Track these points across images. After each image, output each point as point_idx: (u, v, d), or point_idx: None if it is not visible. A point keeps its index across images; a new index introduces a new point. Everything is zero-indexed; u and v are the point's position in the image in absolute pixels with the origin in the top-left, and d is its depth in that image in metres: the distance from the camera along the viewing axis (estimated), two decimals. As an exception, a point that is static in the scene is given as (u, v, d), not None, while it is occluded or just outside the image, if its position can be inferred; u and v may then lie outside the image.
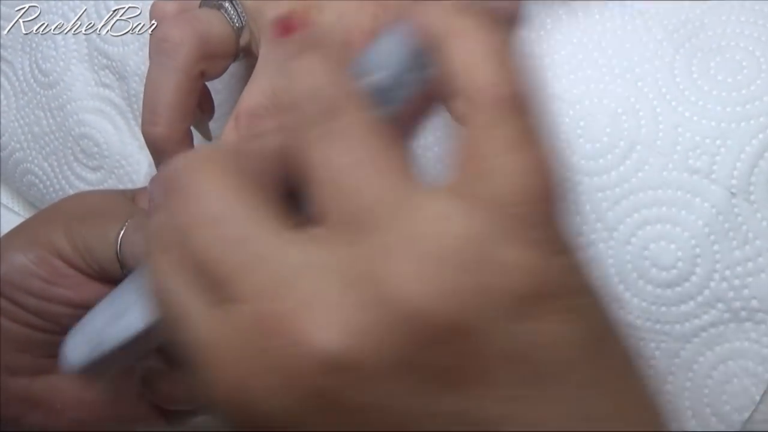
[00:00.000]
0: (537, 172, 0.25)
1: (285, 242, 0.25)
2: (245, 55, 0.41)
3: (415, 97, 0.29)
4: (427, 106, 0.30)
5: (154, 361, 0.40)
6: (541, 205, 0.25)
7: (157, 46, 0.38)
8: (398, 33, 0.29)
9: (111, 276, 0.38)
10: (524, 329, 0.24)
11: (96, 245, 0.38)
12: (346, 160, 0.25)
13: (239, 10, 0.40)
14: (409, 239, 0.24)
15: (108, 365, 0.34)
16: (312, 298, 0.24)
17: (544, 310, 0.24)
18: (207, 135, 0.45)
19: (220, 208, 0.25)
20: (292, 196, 0.28)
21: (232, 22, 0.40)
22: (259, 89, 0.38)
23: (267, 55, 0.39)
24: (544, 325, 0.24)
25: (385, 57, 0.29)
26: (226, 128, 0.39)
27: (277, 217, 0.26)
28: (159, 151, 0.40)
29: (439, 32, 0.27)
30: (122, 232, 0.38)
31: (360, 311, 0.23)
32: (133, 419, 0.41)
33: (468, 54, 0.26)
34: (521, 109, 0.26)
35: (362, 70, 0.29)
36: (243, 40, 0.41)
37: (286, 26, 0.29)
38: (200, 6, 0.41)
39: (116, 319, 0.33)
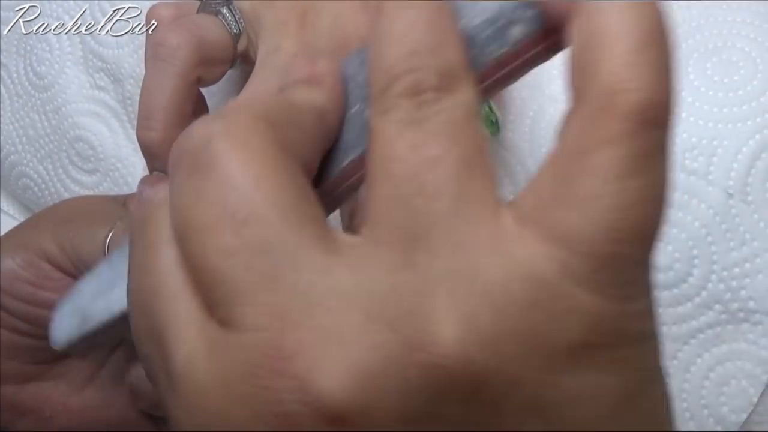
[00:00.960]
0: (638, 207, 0.20)
1: (323, 256, 0.20)
2: (242, 61, 0.41)
3: (503, 59, 0.23)
4: (515, 72, 0.23)
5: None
6: (632, 247, 0.20)
7: (154, 51, 0.38)
8: None
9: None
10: (559, 381, 0.20)
11: (84, 246, 0.37)
12: (426, 156, 0.20)
13: (237, 16, 0.40)
14: (464, 271, 0.20)
15: (96, 342, 0.31)
16: (329, 330, 0.20)
17: (590, 360, 0.21)
18: None
19: (251, 202, 0.20)
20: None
21: (230, 28, 0.40)
22: (255, 93, 0.38)
23: (264, 60, 0.38)
24: (583, 377, 0.20)
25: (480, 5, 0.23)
26: None
27: (318, 220, 0.21)
28: (153, 157, 0.40)
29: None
30: (111, 234, 0.37)
31: (377, 351, 0.19)
32: (123, 425, 0.40)
33: (606, 38, 0.20)
34: (653, 125, 0.20)
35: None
36: (241, 46, 0.41)
37: None
38: (198, 11, 0.41)
39: (103, 295, 0.29)
